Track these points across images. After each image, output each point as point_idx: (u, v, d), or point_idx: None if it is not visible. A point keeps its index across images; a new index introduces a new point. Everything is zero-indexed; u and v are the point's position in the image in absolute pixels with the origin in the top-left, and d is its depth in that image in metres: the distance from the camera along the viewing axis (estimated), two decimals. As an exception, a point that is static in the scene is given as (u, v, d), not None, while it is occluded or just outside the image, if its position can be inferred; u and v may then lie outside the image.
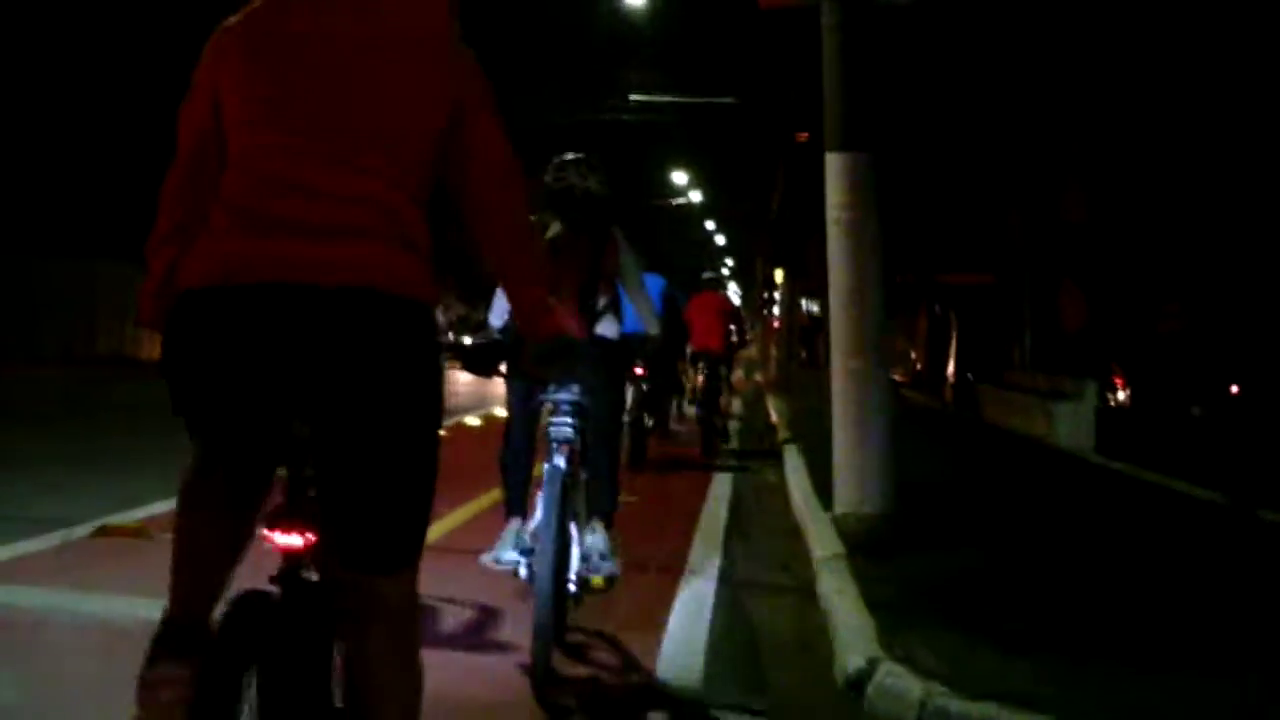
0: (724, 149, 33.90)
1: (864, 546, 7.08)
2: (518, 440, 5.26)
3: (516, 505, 5.21)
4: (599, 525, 5.19)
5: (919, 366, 38.66)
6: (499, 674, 4.77)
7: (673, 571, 6.97)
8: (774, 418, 20.05)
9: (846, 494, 8.13)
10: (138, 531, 6.93)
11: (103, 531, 6.85)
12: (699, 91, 26.88)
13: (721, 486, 11.22)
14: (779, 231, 33.23)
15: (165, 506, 7.30)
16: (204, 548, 2.54)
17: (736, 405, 23.18)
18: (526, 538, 5.03)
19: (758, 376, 39.93)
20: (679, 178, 44.45)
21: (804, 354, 39.92)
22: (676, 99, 26.27)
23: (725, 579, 6.87)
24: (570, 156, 5.19)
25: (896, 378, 44.38)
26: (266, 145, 2.48)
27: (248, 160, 2.49)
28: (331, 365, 2.38)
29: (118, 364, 28.73)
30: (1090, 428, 16.69)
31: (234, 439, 2.50)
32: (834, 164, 8.39)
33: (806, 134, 23.43)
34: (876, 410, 8.31)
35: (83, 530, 6.83)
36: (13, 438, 11.99)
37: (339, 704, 2.58)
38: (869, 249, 8.37)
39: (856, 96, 8.51)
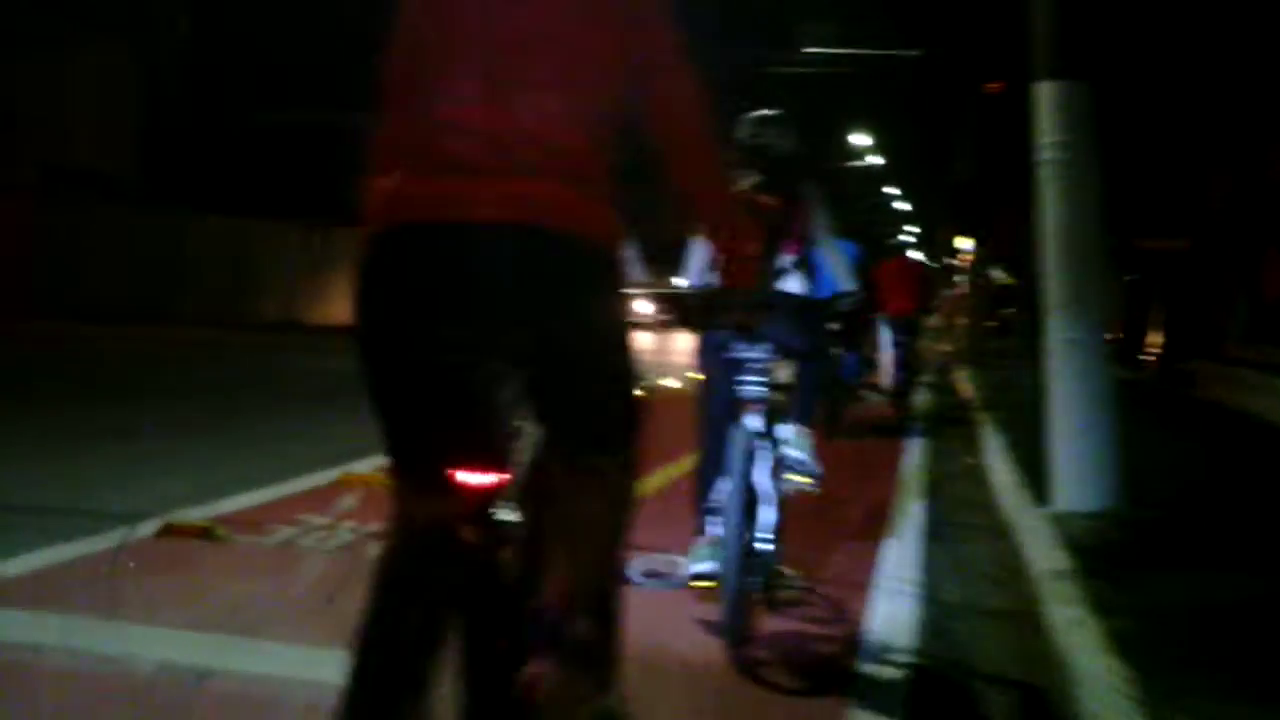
0: (907, 107, 32.04)
1: (1095, 559, 5.74)
2: (719, 403, 5.01)
3: (702, 510, 5.01)
4: (802, 431, 5.21)
5: (1113, 336, 36.48)
6: (690, 631, 4.78)
7: (858, 584, 5.83)
8: (965, 390, 18.48)
9: (1066, 488, 6.96)
10: (205, 531, 6.03)
11: (168, 531, 6.00)
12: (880, 43, 25.14)
13: (916, 470, 10.06)
14: (965, 196, 31.40)
15: (249, 500, 7.04)
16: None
17: (924, 375, 21.52)
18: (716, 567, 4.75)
19: (944, 346, 38.20)
20: (858, 140, 42.69)
21: (994, 323, 38.21)
22: (855, 51, 24.51)
23: (924, 595, 5.71)
24: (766, 112, 5.20)
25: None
26: (434, 84, 2.50)
27: (416, 100, 2.51)
28: (513, 296, 2.43)
29: (283, 329, 28.18)
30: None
31: (427, 381, 2.50)
32: (1046, 95, 7.31)
33: (1000, 84, 21.49)
34: (1100, 387, 7.17)
35: (148, 528, 5.98)
36: (123, 410, 11.48)
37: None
38: (1088, 194, 7.31)
39: (1074, 11, 7.33)
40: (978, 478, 9.64)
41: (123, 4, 27.77)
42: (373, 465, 7.62)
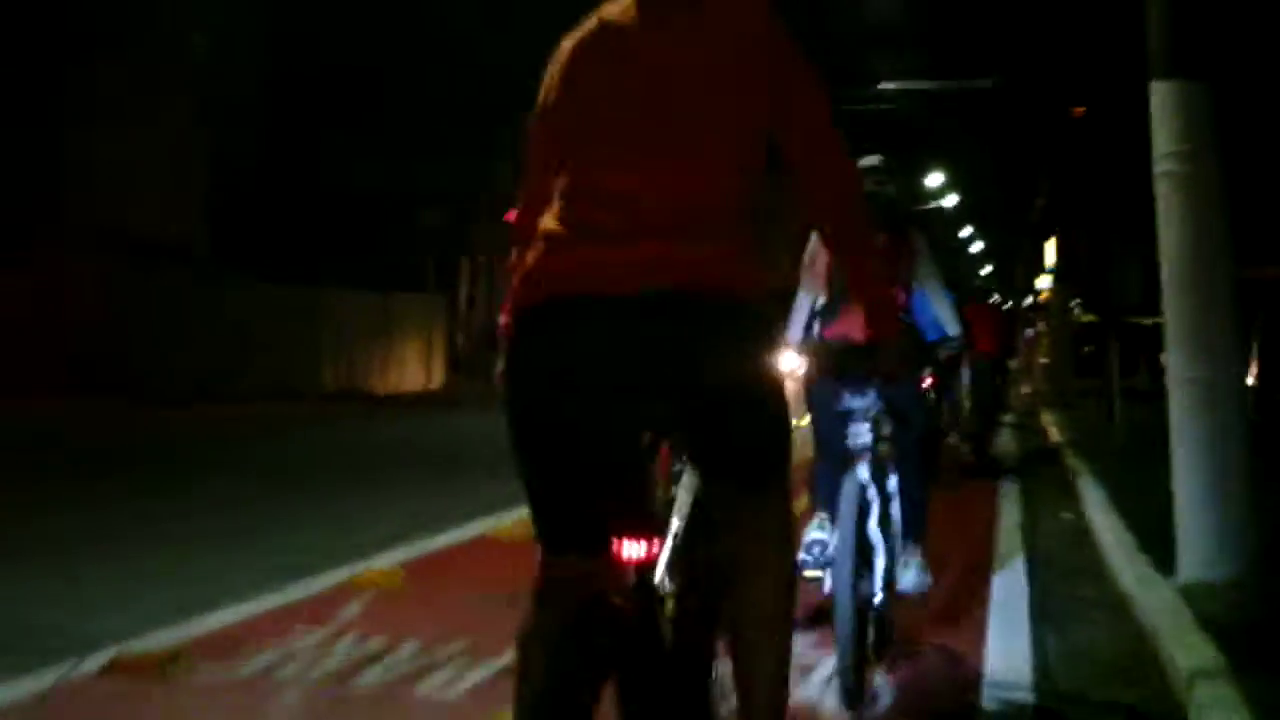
0: (984, 140, 30.86)
1: (1245, 645, 4.73)
2: (831, 454, 5.01)
3: (826, 496, 4.96)
4: (913, 553, 5.12)
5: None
6: (806, 689, 4.59)
7: (963, 679, 4.93)
8: (1053, 435, 17.31)
9: (1196, 552, 6.04)
10: (162, 663, 4.79)
11: (115, 667, 4.77)
12: (955, 74, 24.09)
13: (1010, 529, 8.95)
14: (1045, 231, 30.17)
15: (234, 615, 5.75)
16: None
17: (1007, 417, 20.62)
18: (829, 542, 4.80)
19: (1025, 388, 36.91)
20: (933, 180, 41.56)
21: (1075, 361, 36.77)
22: (930, 85, 23.52)
23: (1040, 692, 4.74)
24: (869, 162, 5.18)
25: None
26: (589, 155, 2.58)
27: (573, 171, 2.58)
28: (663, 365, 2.48)
29: (344, 399, 27.25)
30: None
31: (594, 455, 2.56)
32: (1162, 97, 6.36)
33: (1083, 108, 20.40)
34: (1232, 437, 6.16)
35: (95, 661, 4.80)
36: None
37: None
38: (1214, 211, 6.30)
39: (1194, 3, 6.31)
40: (1080, 536, 8.54)
41: (193, 68, 27.14)
42: (393, 559, 6.96)
